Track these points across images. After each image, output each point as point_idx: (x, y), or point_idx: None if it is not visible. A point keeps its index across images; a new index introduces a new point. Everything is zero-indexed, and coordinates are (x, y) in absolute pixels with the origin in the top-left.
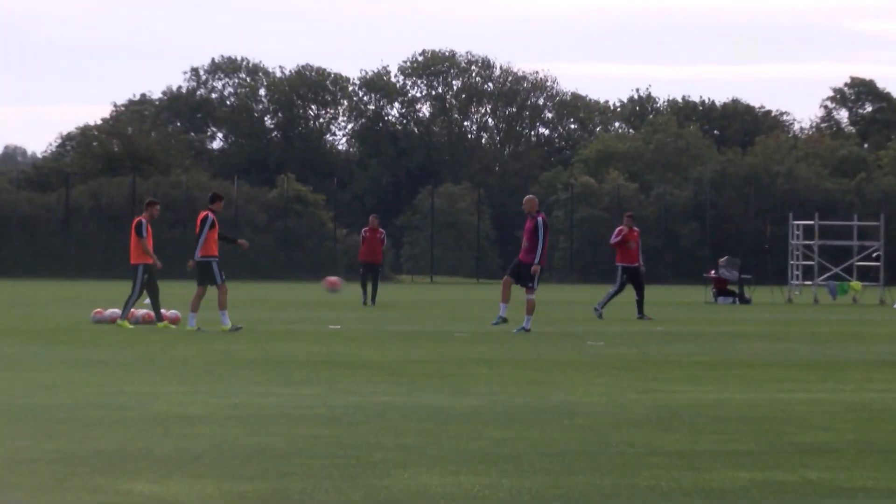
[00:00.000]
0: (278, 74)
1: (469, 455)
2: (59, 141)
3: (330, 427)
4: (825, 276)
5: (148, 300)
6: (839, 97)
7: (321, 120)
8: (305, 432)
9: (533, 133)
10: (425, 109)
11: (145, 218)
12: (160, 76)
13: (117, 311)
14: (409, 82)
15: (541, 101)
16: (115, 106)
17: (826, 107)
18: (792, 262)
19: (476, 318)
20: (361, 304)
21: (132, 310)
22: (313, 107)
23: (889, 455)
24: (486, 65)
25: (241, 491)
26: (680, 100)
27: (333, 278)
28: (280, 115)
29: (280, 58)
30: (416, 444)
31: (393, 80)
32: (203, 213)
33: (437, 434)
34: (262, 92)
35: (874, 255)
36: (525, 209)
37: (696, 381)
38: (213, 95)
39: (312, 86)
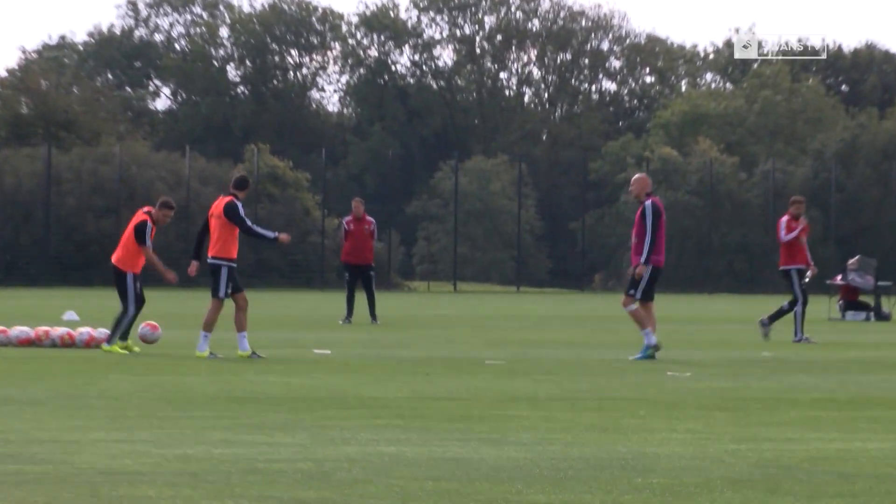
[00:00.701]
0: (246, 9)
1: None
2: None
3: (316, 487)
4: None
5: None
6: None
7: (304, 71)
8: (283, 494)
9: (594, 88)
10: (447, 56)
11: (151, 219)
12: (85, 12)
13: (26, 329)
14: (424, 19)
15: (605, 46)
16: (24, 52)
17: None
18: None
19: (516, 341)
20: (341, 322)
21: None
22: (293, 53)
23: None
24: None
25: None
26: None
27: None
28: (248, 64)
29: None
30: None
31: (403, 16)
32: (228, 199)
33: (463, 497)
34: (223, 33)
35: None
36: (633, 192)
37: (815, 426)
38: (158, 38)
39: (292, 24)
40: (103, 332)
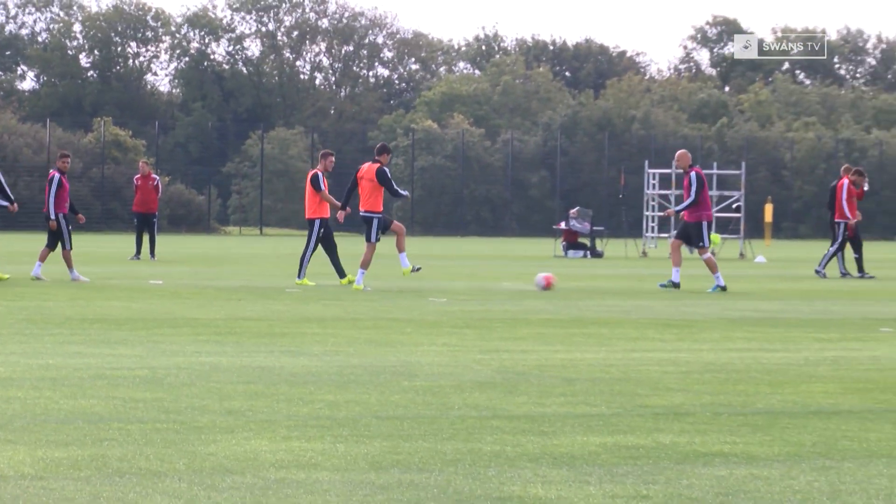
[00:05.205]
0: (94, 9)
1: (301, 419)
2: None
3: (151, 390)
4: None
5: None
6: (700, 37)
7: (141, 59)
8: (125, 395)
9: (371, 74)
10: (254, 47)
11: (320, 170)
12: None
13: None
14: (237, 18)
15: (380, 40)
16: None
17: (685, 47)
18: (647, 213)
19: (310, 274)
20: (129, 259)
21: None
22: (133, 45)
23: (747, 418)
24: None
25: (55, 457)
26: (529, 39)
27: (547, 276)
28: (97, 53)
29: None
30: (243, 407)
31: (219, 15)
32: (377, 166)
33: (267, 397)
34: (76, 28)
35: (734, 205)
36: (678, 166)
37: (544, 341)
38: (24, 32)
39: (132, 22)
40: None
